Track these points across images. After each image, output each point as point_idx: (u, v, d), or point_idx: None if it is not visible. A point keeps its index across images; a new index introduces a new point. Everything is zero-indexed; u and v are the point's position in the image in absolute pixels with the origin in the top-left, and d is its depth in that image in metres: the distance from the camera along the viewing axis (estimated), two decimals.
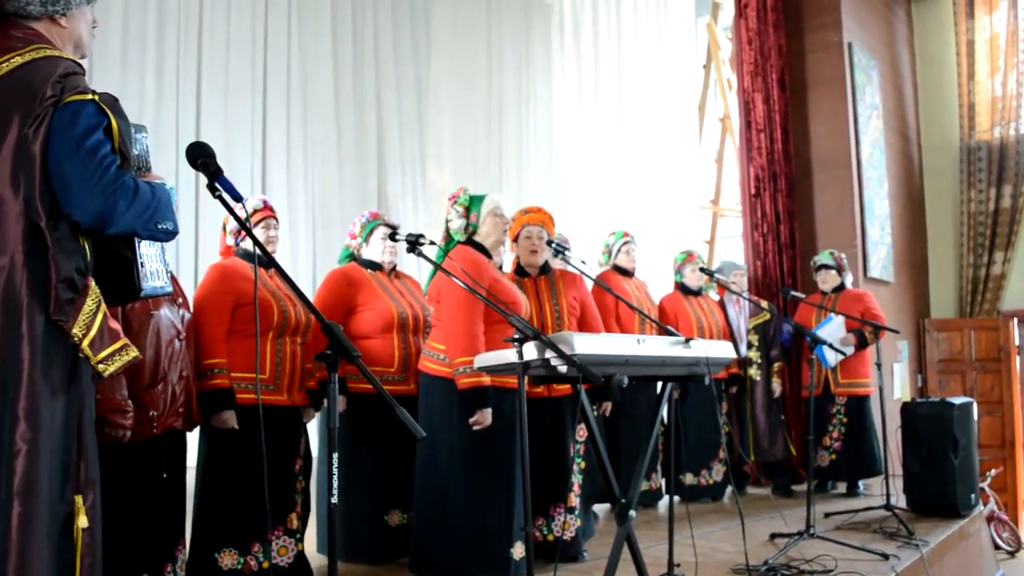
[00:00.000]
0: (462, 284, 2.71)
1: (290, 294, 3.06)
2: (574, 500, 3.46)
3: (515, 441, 3.08)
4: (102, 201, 1.73)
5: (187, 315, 2.86)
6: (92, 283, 1.81)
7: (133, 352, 1.82)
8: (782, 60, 6.25)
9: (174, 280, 2.88)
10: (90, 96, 1.78)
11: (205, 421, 2.95)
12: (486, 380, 3.02)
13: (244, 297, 2.96)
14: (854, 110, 6.40)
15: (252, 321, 2.93)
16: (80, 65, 1.85)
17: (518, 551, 3.10)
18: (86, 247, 1.83)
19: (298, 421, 3.14)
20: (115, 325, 1.82)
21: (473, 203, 3.29)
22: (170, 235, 1.89)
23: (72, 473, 1.76)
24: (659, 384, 2.99)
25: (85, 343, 1.75)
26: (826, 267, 5.43)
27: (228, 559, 2.90)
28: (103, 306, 1.81)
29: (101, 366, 1.77)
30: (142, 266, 1.92)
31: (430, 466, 3.16)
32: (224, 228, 3.20)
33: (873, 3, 7.16)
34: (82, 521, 1.75)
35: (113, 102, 1.86)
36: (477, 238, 3.29)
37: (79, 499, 1.76)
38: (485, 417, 3.04)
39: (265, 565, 2.93)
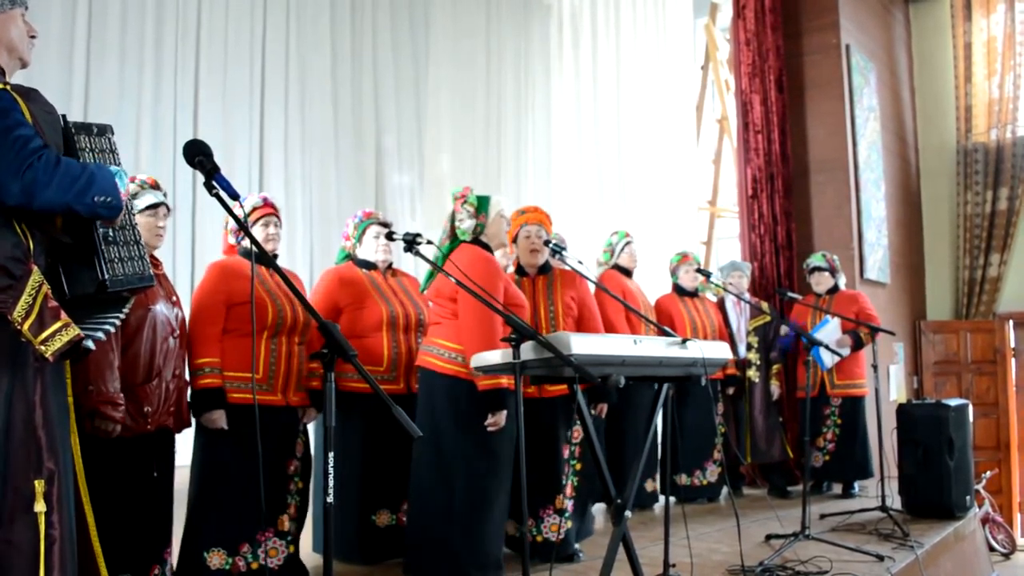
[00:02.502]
0: (464, 287, 2.70)
1: (289, 293, 3.06)
2: (564, 502, 3.47)
3: (511, 441, 3.09)
4: (20, 175, 1.75)
5: (181, 314, 2.86)
6: (34, 269, 1.82)
7: (74, 331, 1.83)
8: (780, 62, 6.25)
9: (166, 279, 2.88)
10: (2, 86, 1.83)
11: (199, 420, 2.95)
12: (504, 382, 3.01)
13: (239, 296, 2.95)
14: (851, 112, 6.42)
15: (246, 320, 2.91)
16: None
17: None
18: (25, 234, 1.83)
19: (294, 422, 3.13)
20: (55, 305, 1.82)
21: (482, 204, 3.28)
22: (112, 210, 1.87)
23: (27, 457, 1.78)
24: (655, 385, 2.99)
25: (25, 326, 1.77)
26: (819, 269, 5.45)
27: (216, 559, 2.89)
28: (44, 288, 1.82)
29: (43, 347, 1.79)
30: (106, 259, 1.92)
31: (430, 464, 3.15)
32: (226, 227, 3.19)
33: (871, 5, 7.18)
34: (39, 506, 1.77)
35: (29, 92, 1.89)
36: (483, 238, 3.29)
37: (39, 484, 1.78)
38: (501, 419, 3.04)
39: (254, 566, 2.92)
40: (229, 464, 2.90)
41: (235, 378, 2.93)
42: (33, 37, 2.03)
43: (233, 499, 2.88)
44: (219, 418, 2.88)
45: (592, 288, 3.90)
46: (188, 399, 2.92)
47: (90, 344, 1.94)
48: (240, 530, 2.90)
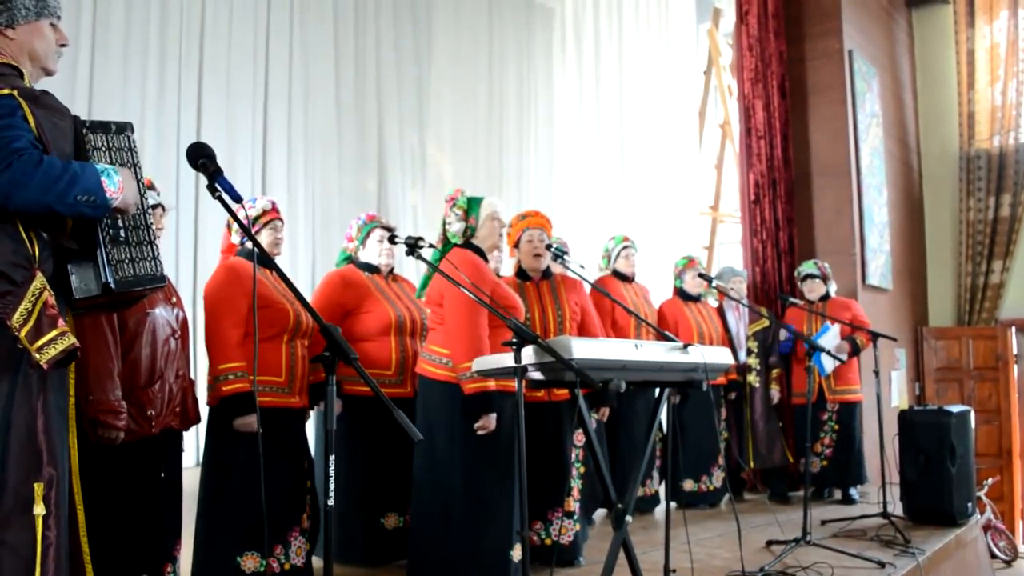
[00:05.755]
0: (466, 291, 2.70)
1: (292, 297, 3.06)
2: (572, 505, 3.46)
3: (514, 445, 3.09)
4: None
5: (182, 314, 2.86)
6: (38, 275, 1.82)
7: (70, 340, 1.82)
8: (783, 67, 6.26)
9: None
10: (7, 91, 1.81)
11: (213, 424, 2.95)
12: (491, 385, 3.01)
13: (258, 300, 2.94)
14: (854, 117, 6.41)
15: (264, 324, 2.92)
16: (10, 67, 1.90)
17: (517, 553, 3.10)
18: (29, 239, 1.83)
19: (304, 422, 3.18)
20: (54, 313, 1.82)
21: (472, 206, 3.27)
22: (97, 208, 1.85)
23: (27, 460, 1.77)
24: (656, 390, 2.98)
25: (23, 333, 1.76)
26: (811, 276, 5.47)
27: (251, 562, 2.89)
28: (45, 295, 1.81)
29: (38, 354, 1.78)
30: (112, 260, 1.91)
31: (429, 469, 3.15)
32: (228, 225, 3.19)
33: (874, 11, 7.18)
34: (38, 508, 1.76)
35: (40, 95, 1.87)
36: (475, 241, 3.28)
37: (38, 487, 1.77)
38: (490, 422, 3.04)
39: (287, 567, 2.95)
40: (256, 468, 2.86)
41: (257, 381, 2.93)
42: (63, 46, 2.04)
43: (263, 503, 2.86)
44: (253, 422, 2.85)
45: (588, 291, 3.89)
46: (203, 399, 2.93)
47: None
48: (274, 532, 2.91)
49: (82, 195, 1.81)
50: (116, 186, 1.88)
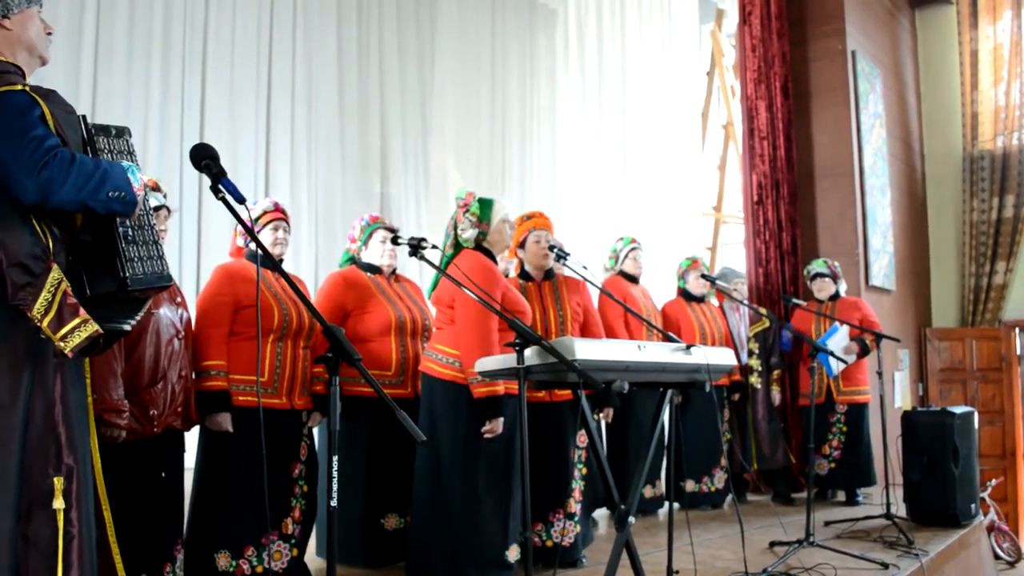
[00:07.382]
0: (473, 295, 2.70)
1: (294, 297, 3.06)
2: (573, 506, 3.46)
3: (516, 446, 3.09)
4: (36, 174, 1.75)
5: (186, 315, 2.87)
6: (54, 266, 1.83)
7: (93, 326, 1.82)
8: (786, 68, 6.25)
9: None
10: (20, 87, 1.83)
11: (203, 422, 2.95)
12: (500, 389, 3.02)
13: (245, 299, 2.96)
14: (857, 118, 6.41)
15: (253, 323, 2.93)
16: (13, 66, 1.90)
17: (513, 554, 3.10)
18: (44, 233, 1.84)
19: (298, 425, 3.13)
20: (73, 301, 1.82)
21: (484, 212, 3.28)
22: (127, 205, 1.87)
23: (46, 451, 1.77)
24: (661, 390, 2.99)
25: (44, 323, 1.77)
26: (821, 275, 5.43)
27: (222, 560, 2.90)
28: (63, 285, 1.82)
29: (62, 343, 1.78)
30: (126, 258, 1.92)
31: (430, 469, 3.15)
32: (236, 228, 3.20)
33: (877, 12, 7.17)
34: (58, 503, 1.76)
35: (48, 94, 1.89)
36: (486, 244, 3.29)
37: (58, 481, 1.77)
38: (497, 426, 3.05)
39: (259, 569, 2.93)
40: (233, 466, 2.90)
41: (240, 381, 2.94)
42: (49, 34, 2.04)
43: (237, 502, 2.89)
44: (224, 420, 2.89)
45: (595, 293, 3.89)
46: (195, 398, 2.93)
47: (126, 327, 1.98)
48: (244, 533, 2.91)
49: (113, 192, 1.83)
50: (139, 183, 1.90)
